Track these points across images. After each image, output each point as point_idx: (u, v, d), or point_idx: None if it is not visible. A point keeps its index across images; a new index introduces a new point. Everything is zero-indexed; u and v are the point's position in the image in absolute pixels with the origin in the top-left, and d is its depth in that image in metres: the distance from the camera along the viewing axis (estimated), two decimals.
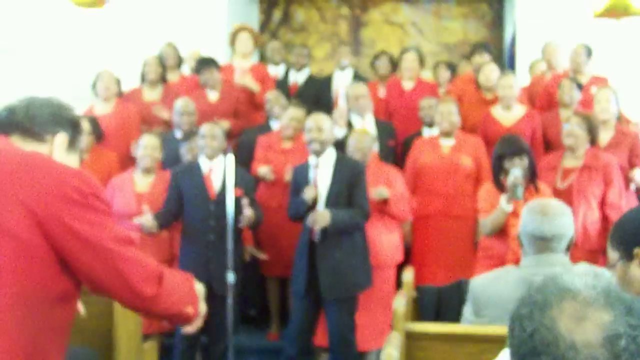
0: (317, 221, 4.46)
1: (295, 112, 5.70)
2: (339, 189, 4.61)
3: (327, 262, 4.59)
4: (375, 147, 5.68)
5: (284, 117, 5.72)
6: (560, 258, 2.89)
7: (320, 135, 4.62)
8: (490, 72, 6.30)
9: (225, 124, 6.10)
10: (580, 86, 5.97)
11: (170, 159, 5.57)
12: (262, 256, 5.43)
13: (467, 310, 3.14)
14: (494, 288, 3.01)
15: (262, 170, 5.52)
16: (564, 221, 2.89)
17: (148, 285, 2.00)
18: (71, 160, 2.13)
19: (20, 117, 2.06)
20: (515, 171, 4.47)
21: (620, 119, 5.63)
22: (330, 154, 4.71)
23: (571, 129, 5.03)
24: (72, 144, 2.15)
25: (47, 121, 2.09)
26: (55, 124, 2.11)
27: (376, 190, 4.95)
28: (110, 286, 1.96)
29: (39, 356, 1.86)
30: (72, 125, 2.16)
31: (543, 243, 2.88)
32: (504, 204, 4.50)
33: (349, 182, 4.62)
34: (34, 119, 2.07)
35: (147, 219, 4.66)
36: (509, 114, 5.88)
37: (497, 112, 5.92)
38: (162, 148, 5.36)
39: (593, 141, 5.12)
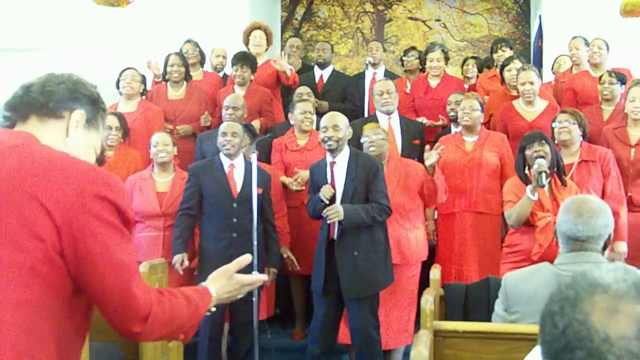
0: (330, 216, 4.46)
1: (305, 105, 5.72)
2: (355, 186, 4.59)
3: (346, 261, 4.57)
4: (399, 145, 5.63)
5: (296, 112, 5.69)
6: (596, 257, 2.84)
7: (337, 134, 4.61)
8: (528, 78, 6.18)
9: (256, 123, 6.15)
10: (623, 80, 5.88)
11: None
12: (296, 266, 5.38)
13: (499, 305, 3.11)
14: (527, 284, 2.98)
15: (286, 180, 5.55)
16: (600, 222, 2.84)
17: (136, 322, 1.89)
18: (92, 139, 2.06)
19: (36, 94, 1.98)
20: (539, 160, 4.52)
21: None
22: (346, 151, 4.69)
23: (562, 125, 5.06)
24: (92, 121, 2.05)
25: (63, 97, 2.00)
26: (72, 100, 2.01)
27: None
28: (110, 301, 1.85)
29: None
30: (91, 102, 2.06)
31: (577, 243, 2.85)
32: (529, 192, 4.51)
33: (366, 179, 4.59)
34: (50, 95, 1.98)
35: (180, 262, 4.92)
36: (531, 108, 5.84)
37: (519, 105, 5.88)
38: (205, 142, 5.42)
39: (584, 135, 5.14)
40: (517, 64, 6.24)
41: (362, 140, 5.05)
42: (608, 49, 6.42)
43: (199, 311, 2.08)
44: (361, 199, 4.59)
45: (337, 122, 4.64)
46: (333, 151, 4.65)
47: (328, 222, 4.52)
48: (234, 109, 5.80)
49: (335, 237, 4.61)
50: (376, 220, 4.58)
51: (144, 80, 6.41)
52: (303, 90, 6.36)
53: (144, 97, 6.41)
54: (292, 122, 5.78)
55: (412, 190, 5.04)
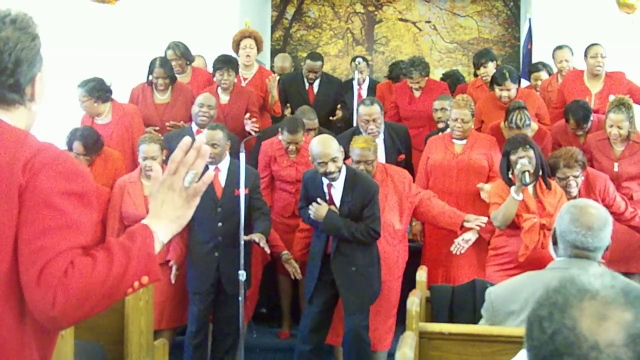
0: (315, 213, 4.51)
1: (291, 137, 5.50)
2: (350, 208, 4.59)
3: (345, 277, 4.59)
4: (382, 161, 5.57)
5: (283, 140, 5.56)
6: (594, 265, 2.83)
7: (335, 164, 4.54)
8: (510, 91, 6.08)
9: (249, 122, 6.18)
10: (587, 118, 5.77)
11: None
12: (298, 273, 5.12)
13: (485, 320, 3.07)
14: (523, 294, 2.91)
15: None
16: (607, 233, 2.84)
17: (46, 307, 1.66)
18: (44, 82, 1.91)
19: (4, 88, 1.82)
20: (522, 160, 4.55)
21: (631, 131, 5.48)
22: (342, 172, 4.64)
23: (570, 183, 4.87)
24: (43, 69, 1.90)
25: (25, 79, 1.84)
26: (31, 69, 1.85)
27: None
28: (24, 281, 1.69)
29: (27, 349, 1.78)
30: (39, 53, 1.88)
31: (583, 252, 2.83)
32: (514, 193, 4.53)
33: (362, 202, 4.59)
34: (15, 87, 1.83)
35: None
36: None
37: (507, 132, 5.64)
38: (173, 143, 5.30)
39: (584, 168, 5.01)
40: (509, 85, 6.01)
41: (351, 156, 4.98)
42: (605, 55, 6.28)
43: (132, 254, 1.74)
44: (356, 220, 4.61)
45: (333, 154, 4.53)
46: (334, 180, 4.61)
47: (310, 214, 4.57)
48: (208, 107, 5.68)
49: (330, 251, 4.65)
50: (358, 240, 4.57)
51: (94, 90, 5.86)
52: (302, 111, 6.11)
53: (112, 97, 6.03)
54: (280, 136, 5.64)
55: (402, 206, 5.03)
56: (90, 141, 5.44)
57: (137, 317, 3.70)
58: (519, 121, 5.43)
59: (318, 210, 4.56)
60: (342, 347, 4.83)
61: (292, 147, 5.52)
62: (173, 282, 4.94)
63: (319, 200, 4.60)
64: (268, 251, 4.88)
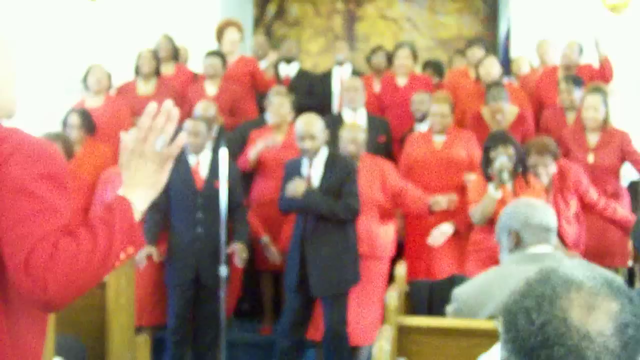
0: (293, 189, 4.51)
1: (279, 100, 5.68)
2: (328, 186, 4.60)
3: (316, 258, 4.60)
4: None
5: (271, 108, 5.69)
6: (564, 257, 2.92)
7: (314, 143, 4.59)
8: (491, 67, 6.25)
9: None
10: (578, 82, 5.92)
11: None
12: (276, 258, 5.28)
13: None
14: (496, 292, 2.92)
15: (254, 151, 5.48)
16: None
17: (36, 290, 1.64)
18: (6, 67, 1.86)
19: None
20: (501, 157, 4.56)
21: (606, 119, 5.56)
22: (323, 152, 4.69)
23: (538, 171, 4.89)
24: None
25: None
26: None
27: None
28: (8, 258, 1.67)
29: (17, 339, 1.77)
30: None
31: (548, 234, 2.91)
32: (492, 190, 4.55)
33: (341, 180, 4.61)
34: None
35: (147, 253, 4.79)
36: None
37: (487, 115, 5.84)
38: None
39: (557, 158, 5.03)
40: (491, 59, 6.30)
41: (341, 136, 5.07)
42: (582, 51, 6.44)
43: (114, 226, 1.75)
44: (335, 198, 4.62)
45: (314, 132, 4.59)
46: (311, 158, 4.64)
47: (287, 194, 4.57)
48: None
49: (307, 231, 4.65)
50: (337, 216, 4.59)
51: (109, 76, 6.36)
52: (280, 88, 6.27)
53: (109, 93, 6.37)
54: (267, 118, 5.75)
55: (385, 186, 5.06)
56: (86, 116, 5.72)
57: (118, 313, 3.70)
58: (496, 93, 5.63)
59: (297, 186, 4.55)
60: (322, 344, 4.85)
61: (280, 110, 5.61)
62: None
63: (296, 178, 4.61)
64: (242, 265, 4.97)
